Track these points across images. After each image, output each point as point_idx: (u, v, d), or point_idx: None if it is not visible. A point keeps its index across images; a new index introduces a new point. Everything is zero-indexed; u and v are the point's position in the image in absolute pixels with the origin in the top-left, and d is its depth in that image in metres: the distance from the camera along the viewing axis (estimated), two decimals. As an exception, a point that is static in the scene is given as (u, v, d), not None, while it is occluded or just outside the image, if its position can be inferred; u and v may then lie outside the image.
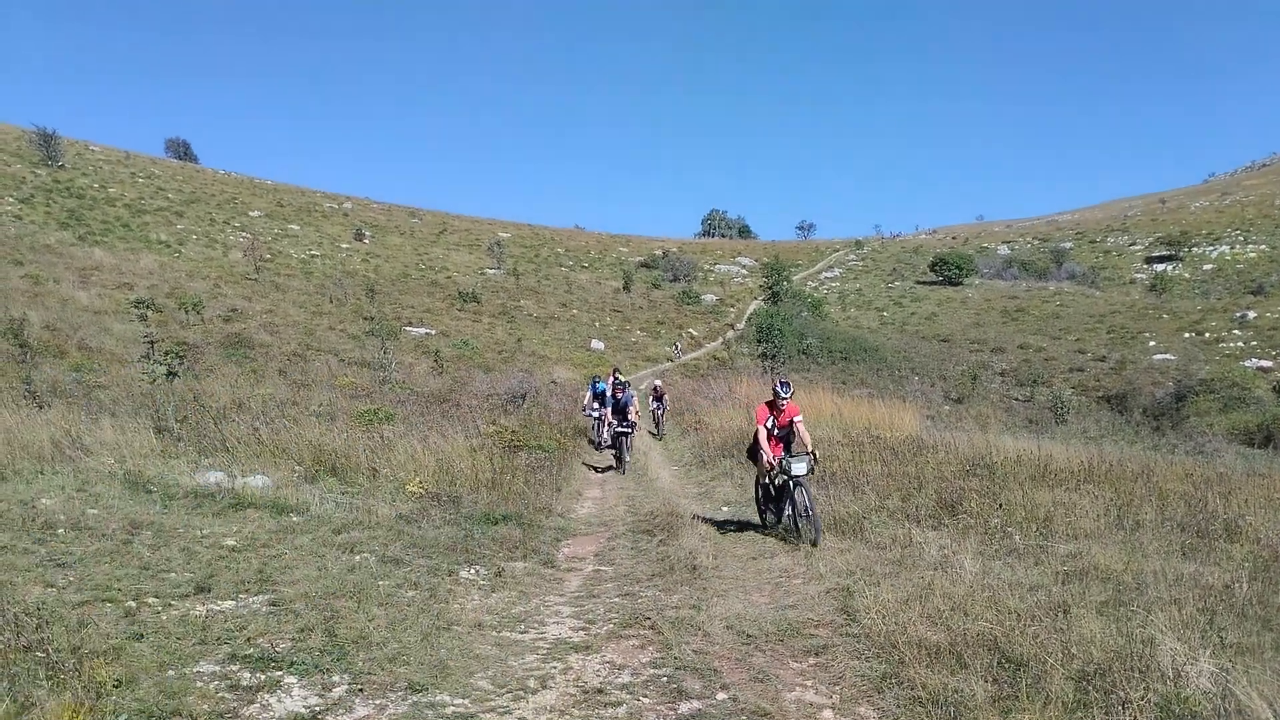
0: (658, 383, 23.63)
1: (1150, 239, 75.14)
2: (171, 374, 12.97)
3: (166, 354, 13.95)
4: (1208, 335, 46.25)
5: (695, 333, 54.74)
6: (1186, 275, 62.87)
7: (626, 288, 64.93)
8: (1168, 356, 42.58)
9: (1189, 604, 6.00)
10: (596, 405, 19.51)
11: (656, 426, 22.45)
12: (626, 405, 16.27)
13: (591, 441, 19.86)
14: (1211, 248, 67.68)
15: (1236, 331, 46.12)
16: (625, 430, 16.12)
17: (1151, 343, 46.23)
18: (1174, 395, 34.52)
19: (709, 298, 67.55)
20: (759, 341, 43.89)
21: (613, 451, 16.69)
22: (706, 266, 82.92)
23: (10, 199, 43.02)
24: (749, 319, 58.30)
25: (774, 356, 40.28)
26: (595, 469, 16.11)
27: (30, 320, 20.04)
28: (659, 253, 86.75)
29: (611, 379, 20.17)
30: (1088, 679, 4.62)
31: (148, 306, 25.70)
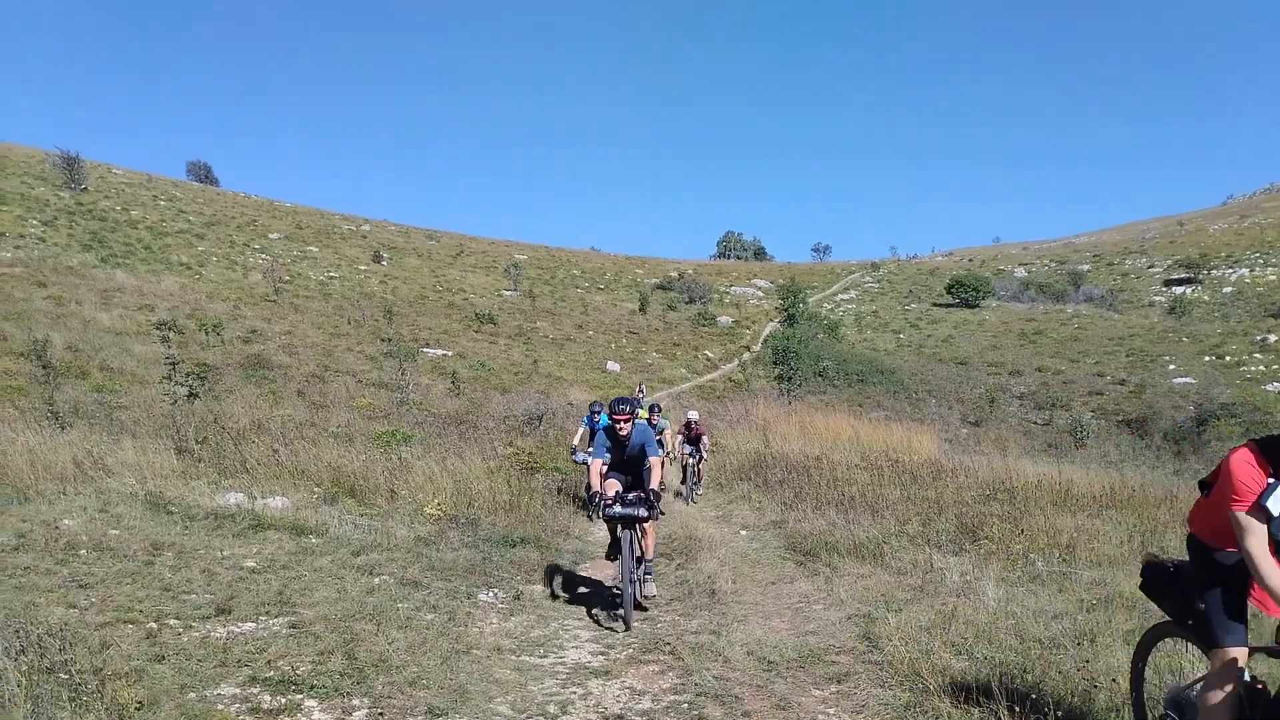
0: (692, 415, 15.74)
1: (1168, 261, 74.74)
2: (192, 395, 13.10)
3: (187, 375, 14.11)
4: (1228, 359, 45.87)
5: (711, 354, 54.70)
6: (1205, 298, 62.42)
7: (642, 309, 65.01)
8: (1188, 380, 42.23)
9: (1217, 633, 5.91)
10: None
11: (685, 484, 15.19)
12: (642, 450, 7.71)
13: (586, 511, 12.22)
14: (1230, 270, 67.23)
15: (1257, 355, 45.71)
16: (635, 514, 7.42)
17: (1171, 366, 45.88)
18: (1195, 419, 34.23)
19: (725, 319, 67.53)
20: (775, 364, 43.85)
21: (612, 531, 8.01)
22: (722, 288, 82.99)
23: (34, 221, 43.59)
24: (765, 341, 58.24)
25: (790, 379, 40.19)
26: (581, 580, 8.67)
27: (53, 341, 20.25)
28: (674, 274, 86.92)
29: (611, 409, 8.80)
30: (1116, 709, 4.56)
31: (169, 328, 25.87)
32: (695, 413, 16.60)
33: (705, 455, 15.84)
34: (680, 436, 15.56)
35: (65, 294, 29.40)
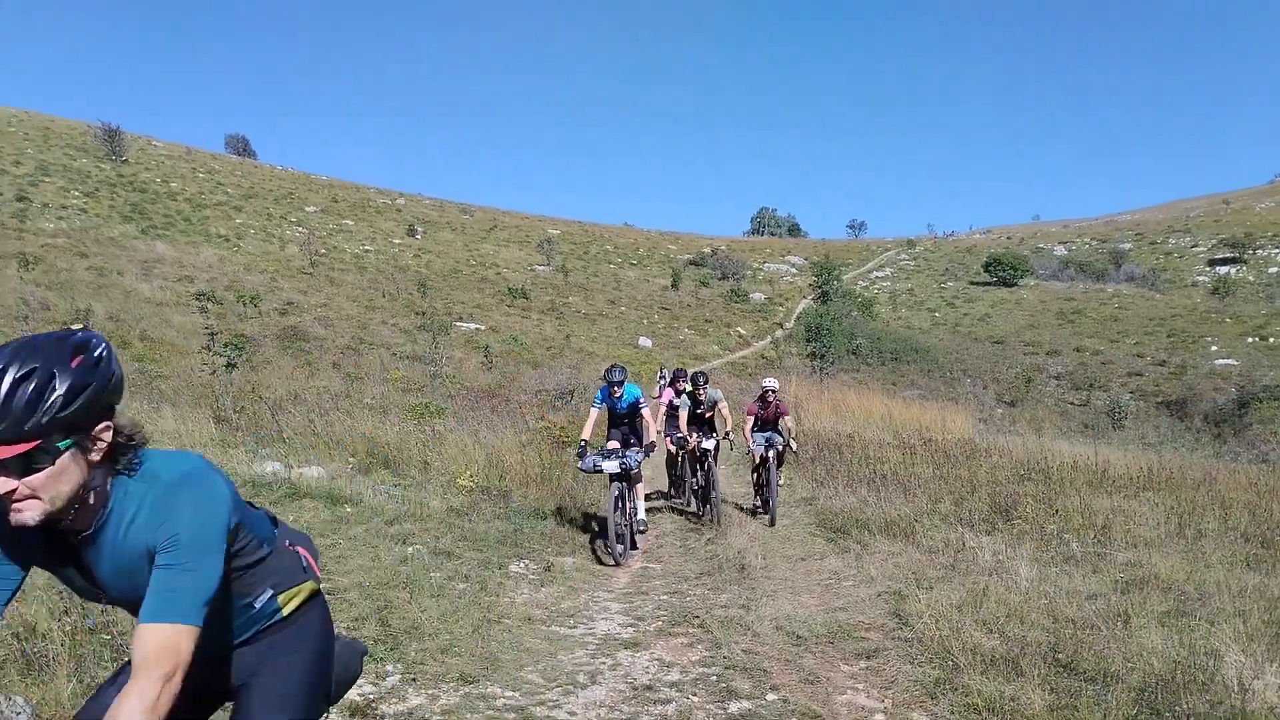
0: (770, 384, 11.27)
1: (1213, 240, 73.14)
2: (230, 365, 13.26)
3: (225, 346, 14.26)
4: (1272, 340, 44.92)
5: (743, 331, 54.50)
6: (1250, 278, 61.09)
7: (675, 285, 64.84)
8: (1230, 362, 41.45)
9: (1254, 616, 5.83)
10: (615, 444, 9.27)
11: (760, 493, 11.06)
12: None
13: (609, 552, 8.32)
14: (1277, 250, 65.68)
15: (1303, 337, 44.76)
16: None
17: (1213, 347, 45.02)
18: (1236, 402, 33.62)
19: (757, 296, 67.19)
20: (808, 341, 43.61)
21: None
22: (755, 265, 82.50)
23: (76, 193, 44.25)
24: (798, 318, 57.91)
25: (823, 356, 39.99)
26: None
27: (95, 311, 20.61)
28: (708, 250, 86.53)
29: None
30: (1149, 690, 4.51)
31: (207, 299, 26.28)
32: (774, 381, 11.52)
33: (793, 444, 11.03)
34: (751, 417, 11.04)
35: (107, 265, 29.88)
